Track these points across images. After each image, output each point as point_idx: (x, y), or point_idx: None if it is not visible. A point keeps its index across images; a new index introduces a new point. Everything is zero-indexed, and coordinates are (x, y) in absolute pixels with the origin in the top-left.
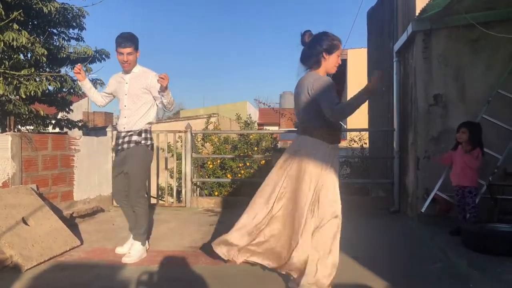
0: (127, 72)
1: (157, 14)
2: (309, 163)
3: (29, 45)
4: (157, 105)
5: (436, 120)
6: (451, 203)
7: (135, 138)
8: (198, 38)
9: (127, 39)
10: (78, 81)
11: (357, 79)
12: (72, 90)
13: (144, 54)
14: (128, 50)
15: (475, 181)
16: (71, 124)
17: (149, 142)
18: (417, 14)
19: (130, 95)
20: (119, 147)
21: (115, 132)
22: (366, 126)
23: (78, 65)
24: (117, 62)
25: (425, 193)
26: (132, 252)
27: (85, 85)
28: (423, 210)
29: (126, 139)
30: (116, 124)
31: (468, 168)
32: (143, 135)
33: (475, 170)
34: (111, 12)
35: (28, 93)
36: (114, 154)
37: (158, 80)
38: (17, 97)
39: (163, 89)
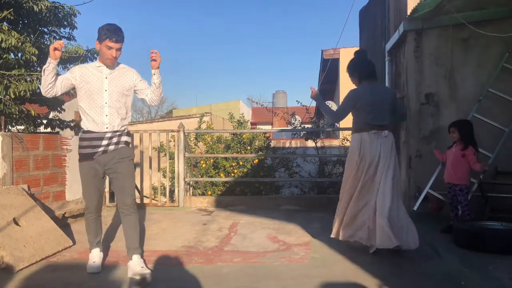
0: (108, 67)
1: (149, 12)
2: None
3: (20, 44)
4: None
5: (428, 119)
6: (443, 201)
7: (125, 138)
8: (191, 36)
9: (120, 34)
10: (49, 57)
11: (349, 78)
12: None
13: (135, 52)
14: (119, 45)
15: (466, 179)
16: (63, 124)
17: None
18: (408, 13)
19: (112, 92)
20: (101, 149)
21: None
22: None
23: (62, 42)
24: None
25: (417, 191)
26: (142, 265)
27: (52, 65)
28: (415, 208)
29: (115, 139)
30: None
31: (459, 166)
32: (129, 135)
33: (467, 168)
34: (103, 10)
35: (17, 93)
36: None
37: (150, 57)
38: (7, 96)
39: (155, 68)
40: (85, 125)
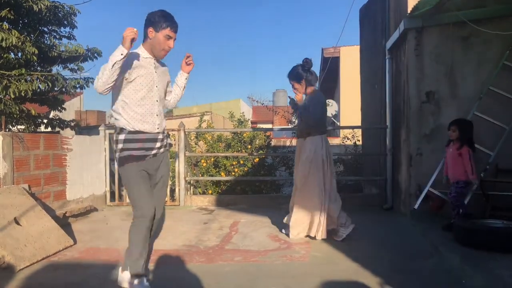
0: (156, 59)
1: (146, 9)
2: None
3: (20, 44)
4: None
5: (428, 117)
6: (444, 199)
7: (169, 140)
8: (190, 34)
9: (177, 23)
10: (122, 44)
11: (349, 77)
12: (64, 89)
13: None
14: (176, 36)
15: (466, 175)
16: (63, 124)
17: None
18: (409, 11)
19: (160, 89)
20: (154, 151)
21: (108, 133)
22: (359, 124)
23: (135, 30)
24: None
25: (418, 190)
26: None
27: (125, 58)
28: (416, 206)
29: (165, 141)
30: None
31: (458, 165)
32: (169, 137)
33: (466, 165)
34: (102, 10)
35: (18, 93)
36: (122, 158)
37: (187, 62)
38: (8, 96)
39: (187, 72)
40: (132, 124)
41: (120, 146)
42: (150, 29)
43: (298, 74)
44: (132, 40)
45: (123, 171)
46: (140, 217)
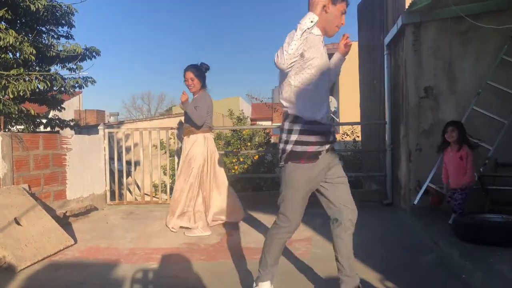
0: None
1: (146, 9)
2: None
3: (17, 44)
4: None
5: (427, 113)
6: (443, 194)
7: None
8: (189, 33)
9: None
10: (311, 10)
11: (348, 73)
12: (62, 89)
13: (134, 50)
14: None
15: (471, 177)
16: (63, 124)
17: None
18: (406, 6)
19: (329, 73)
20: (327, 146)
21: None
22: (359, 120)
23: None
24: (113, 59)
25: (417, 185)
26: None
27: (313, 24)
28: (415, 202)
29: (335, 134)
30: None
31: (460, 170)
32: None
33: (468, 168)
34: (100, 9)
35: (16, 93)
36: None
37: (345, 44)
38: (6, 96)
39: (345, 55)
40: (308, 113)
41: (294, 137)
42: (327, 2)
43: (202, 73)
44: (324, 6)
45: (290, 169)
46: (287, 227)
